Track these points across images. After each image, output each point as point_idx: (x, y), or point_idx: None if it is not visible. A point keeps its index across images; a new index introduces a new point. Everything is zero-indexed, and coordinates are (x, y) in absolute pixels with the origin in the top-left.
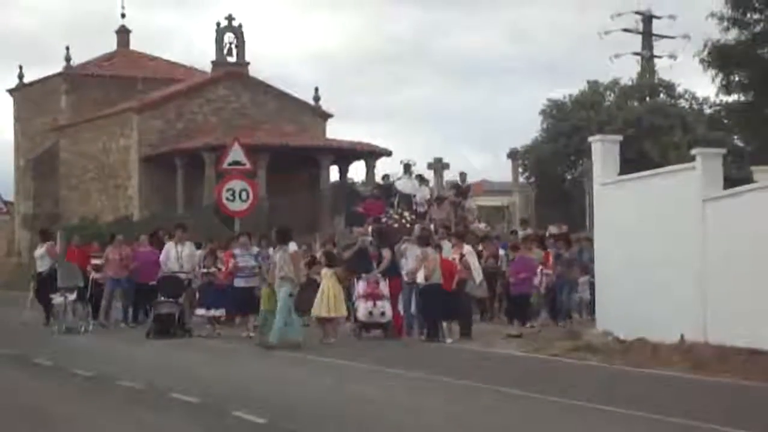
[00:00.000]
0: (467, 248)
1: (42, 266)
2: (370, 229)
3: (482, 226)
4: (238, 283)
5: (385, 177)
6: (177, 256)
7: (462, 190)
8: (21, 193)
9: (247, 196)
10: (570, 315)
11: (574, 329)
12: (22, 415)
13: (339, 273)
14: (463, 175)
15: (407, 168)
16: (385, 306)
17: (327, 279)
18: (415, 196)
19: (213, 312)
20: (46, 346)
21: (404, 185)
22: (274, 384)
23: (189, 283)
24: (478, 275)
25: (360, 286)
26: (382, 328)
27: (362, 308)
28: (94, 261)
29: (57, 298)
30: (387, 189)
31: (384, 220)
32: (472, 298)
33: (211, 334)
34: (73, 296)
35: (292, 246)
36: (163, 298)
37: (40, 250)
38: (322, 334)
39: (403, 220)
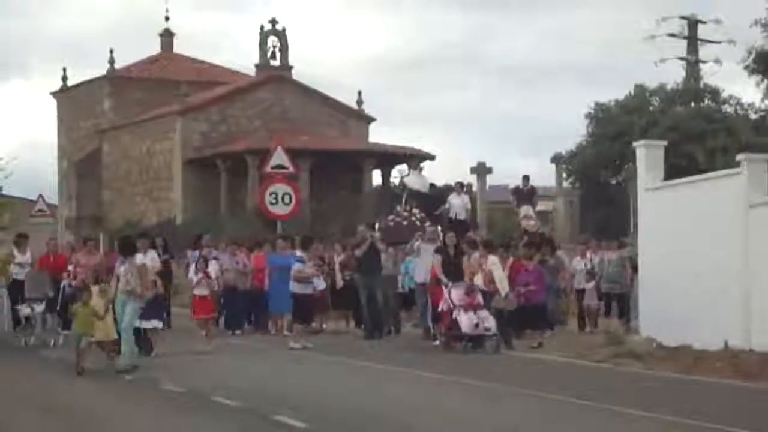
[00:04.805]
0: (492, 259)
1: (20, 274)
2: (376, 226)
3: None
4: (295, 288)
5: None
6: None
7: (522, 193)
8: (64, 195)
9: (290, 200)
10: (559, 322)
11: (617, 335)
12: (62, 415)
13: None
14: (526, 178)
15: (416, 164)
16: (488, 317)
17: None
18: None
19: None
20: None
21: (413, 181)
22: (312, 389)
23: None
24: (503, 288)
25: (454, 295)
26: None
27: (465, 320)
28: (71, 268)
29: (24, 309)
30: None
31: (391, 218)
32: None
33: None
34: (41, 307)
35: (139, 258)
36: None
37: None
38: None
39: (413, 218)
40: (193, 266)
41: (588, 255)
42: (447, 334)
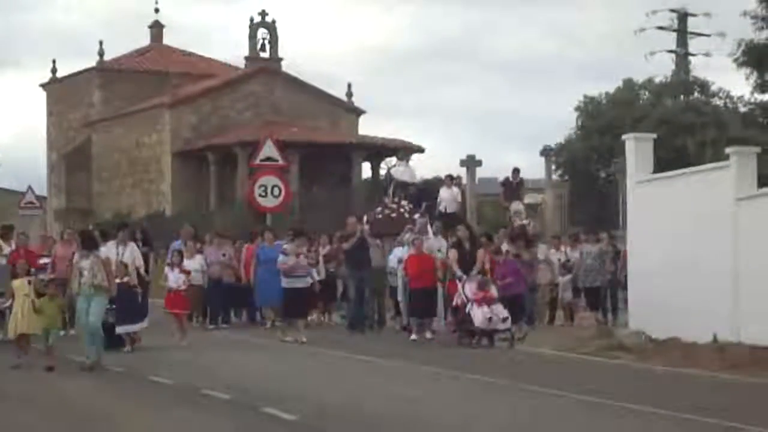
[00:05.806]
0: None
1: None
2: (365, 218)
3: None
4: (285, 283)
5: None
6: (116, 259)
7: (510, 186)
8: (54, 187)
9: (279, 192)
10: (533, 318)
11: (606, 328)
12: (60, 411)
13: (35, 283)
14: (516, 171)
15: (403, 155)
16: (503, 311)
17: (24, 290)
18: (413, 184)
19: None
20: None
21: (400, 172)
22: (302, 381)
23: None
24: None
25: (468, 289)
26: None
27: (479, 314)
28: (43, 261)
29: None
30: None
31: (379, 210)
32: None
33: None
34: (8, 302)
35: (104, 251)
36: None
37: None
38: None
39: (402, 210)
40: (168, 260)
41: (563, 248)
42: (460, 328)
